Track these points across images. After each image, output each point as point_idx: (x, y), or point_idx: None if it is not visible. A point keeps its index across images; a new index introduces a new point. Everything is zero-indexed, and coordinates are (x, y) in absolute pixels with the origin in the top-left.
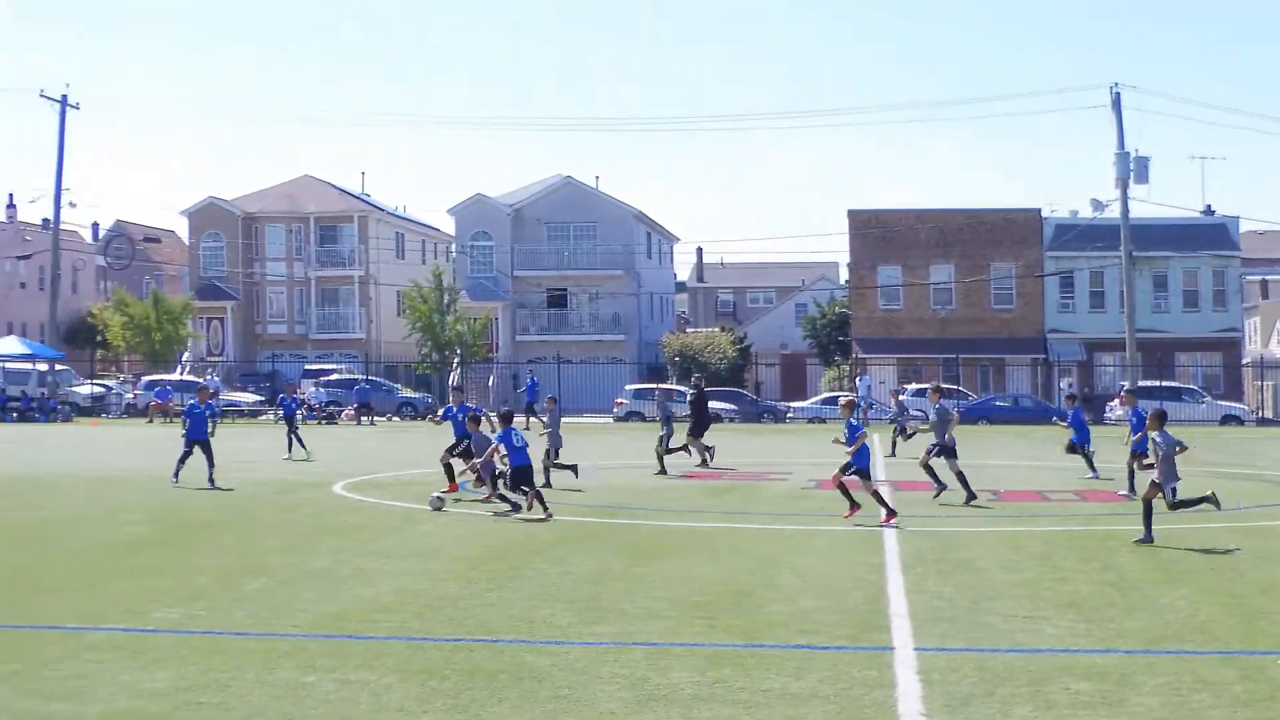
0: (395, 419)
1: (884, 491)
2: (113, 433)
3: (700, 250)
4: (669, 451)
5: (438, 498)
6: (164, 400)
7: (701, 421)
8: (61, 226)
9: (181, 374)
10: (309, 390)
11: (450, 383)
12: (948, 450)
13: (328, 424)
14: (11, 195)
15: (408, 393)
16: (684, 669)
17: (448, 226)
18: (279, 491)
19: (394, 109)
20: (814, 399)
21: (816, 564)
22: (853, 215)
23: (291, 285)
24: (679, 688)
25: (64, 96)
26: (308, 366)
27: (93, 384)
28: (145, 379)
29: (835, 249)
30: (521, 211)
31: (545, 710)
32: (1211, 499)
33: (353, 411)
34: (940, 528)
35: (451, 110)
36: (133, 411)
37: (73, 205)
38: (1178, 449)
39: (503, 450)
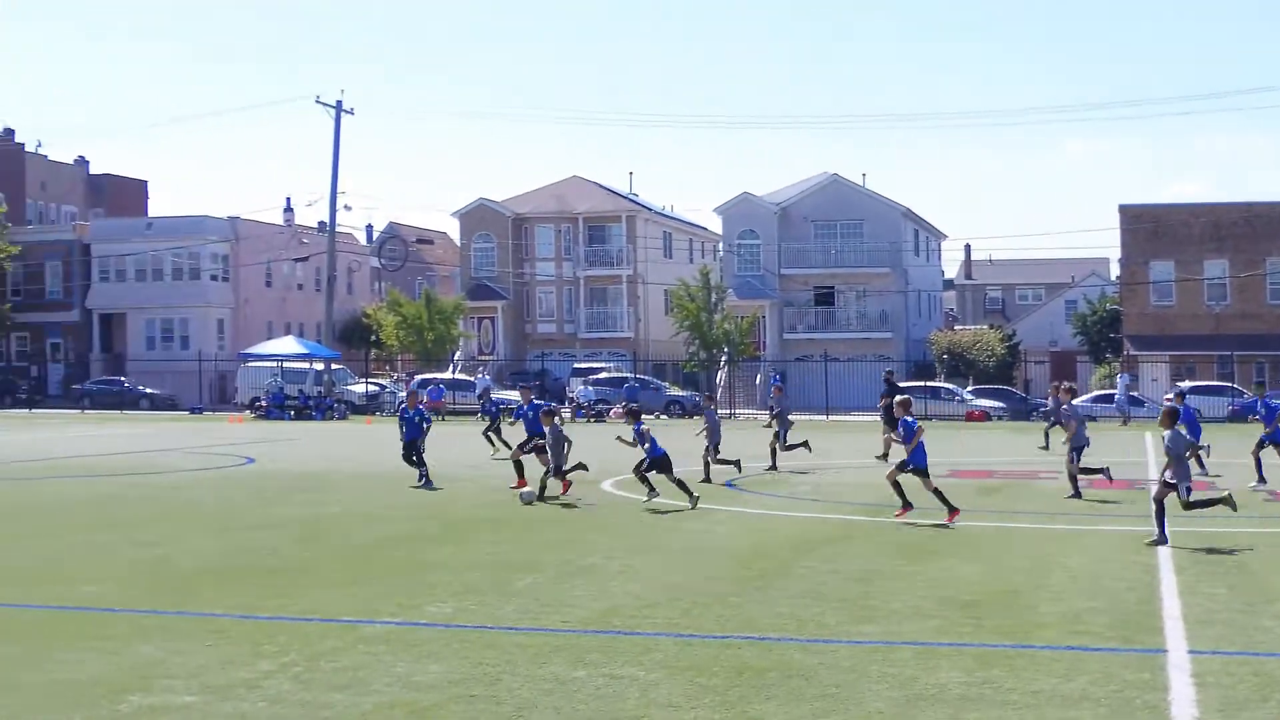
0: (663, 417)
1: (946, 489)
2: (386, 431)
3: (968, 247)
4: (788, 448)
5: (528, 493)
6: (436, 399)
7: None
8: (337, 229)
9: (453, 373)
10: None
11: (520, 382)
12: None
13: (596, 422)
14: (289, 199)
15: (675, 391)
16: (952, 669)
17: (714, 225)
18: (549, 489)
19: (661, 109)
20: (1085, 397)
21: (1087, 564)
22: (1124, 210)
23: (561, 285)
24: (947, 688)
25: (339, 102)
26: (576, 365)
27: (367, 382)
28: (418, 378)
29: (1105, 244)
30: (788, 210)
31: (812, 709)
32: (1228, 500)
33: (620, 409)
34: (1213, 528)
35: (718, 110)
36: None
37: (348, 208)
38: (1189, 449)
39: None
